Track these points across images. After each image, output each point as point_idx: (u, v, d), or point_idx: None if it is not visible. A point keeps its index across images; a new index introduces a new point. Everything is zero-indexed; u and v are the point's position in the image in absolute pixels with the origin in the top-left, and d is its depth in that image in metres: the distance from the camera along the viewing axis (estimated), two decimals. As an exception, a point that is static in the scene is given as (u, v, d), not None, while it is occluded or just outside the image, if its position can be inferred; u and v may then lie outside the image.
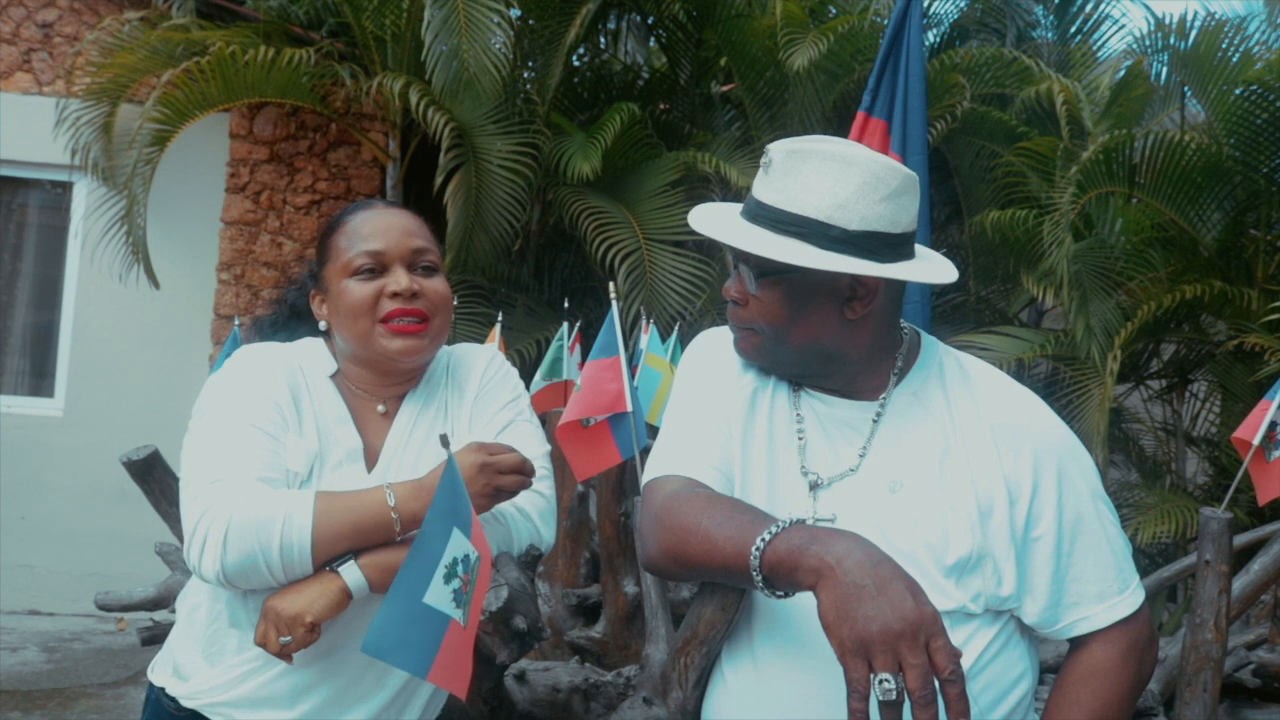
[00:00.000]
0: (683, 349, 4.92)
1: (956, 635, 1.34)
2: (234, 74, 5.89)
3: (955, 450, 1.41)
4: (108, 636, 6.01)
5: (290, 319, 1.82)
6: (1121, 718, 1.43)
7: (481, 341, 5.36)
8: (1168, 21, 6.01)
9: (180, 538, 2.06)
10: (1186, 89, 6.27)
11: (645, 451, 3.14)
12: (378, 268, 1.61)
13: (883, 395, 1.47)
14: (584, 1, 6.47)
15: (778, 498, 1.43)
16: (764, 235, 1.39)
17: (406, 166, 6.67)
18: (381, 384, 1.67)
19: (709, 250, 6.28)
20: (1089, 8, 7.69)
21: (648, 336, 4.45)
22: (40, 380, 6.77)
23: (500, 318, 5.01)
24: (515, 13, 6.53)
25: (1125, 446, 6.54)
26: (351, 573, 1.44)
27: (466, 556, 1.29)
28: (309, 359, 1.66)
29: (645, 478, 1.50)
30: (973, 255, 6.77)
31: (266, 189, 6.69)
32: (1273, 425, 3.33)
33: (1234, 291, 5.46)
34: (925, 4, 6.38)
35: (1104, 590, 1.42)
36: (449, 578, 1.27)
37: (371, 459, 1.62)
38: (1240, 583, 2.84)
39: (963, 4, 7.94)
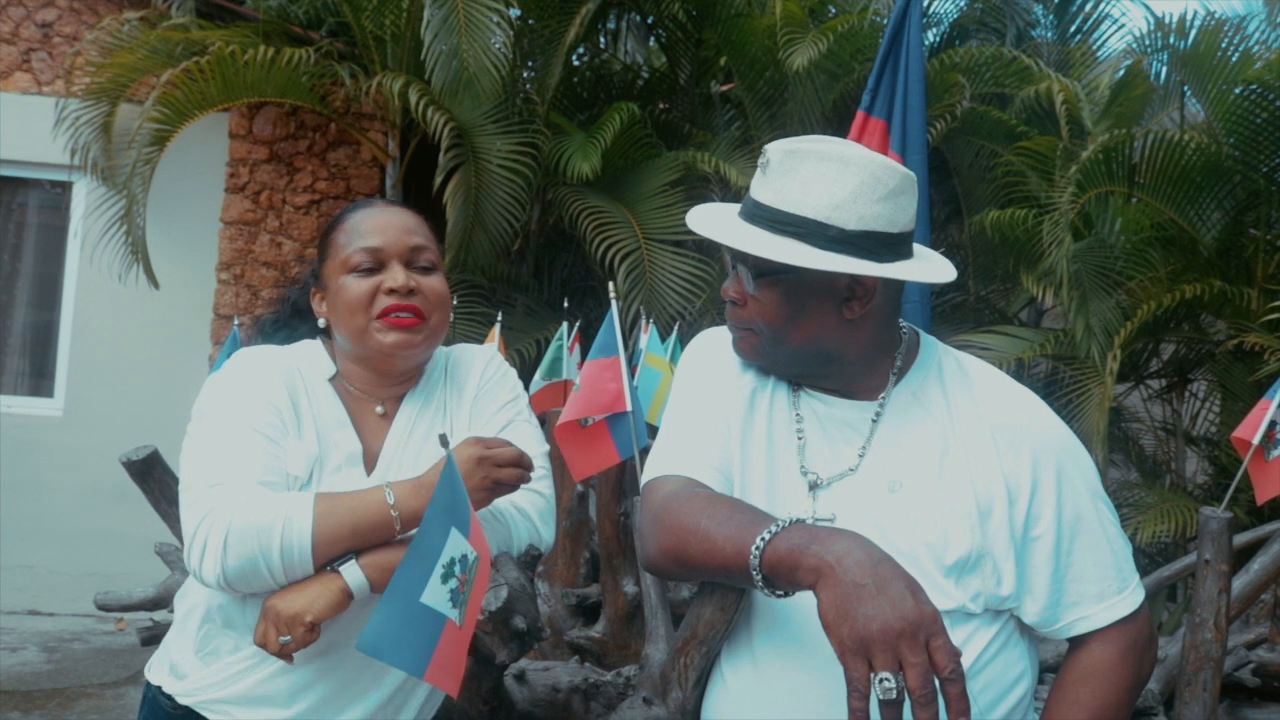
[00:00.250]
0: (682, 349, 4.92)
1: (956, 635, 1.33)
2: (233, 74, 5.89)
3: (954, 450, 1.41)
4: (107, 636, 6.01)
5: (292, 317, 1.82)
6: (1121, 717, 1.43)
7: (481, 341, 5.37)
8: (1167, 21, 6.01)
9: (180, 538, 2.06)
10: (1186, 88, 6.28)
11: (645, 451, 3.14)
12: (375, 264, 1.61)
13: (882, 395, 1.47)
14: (583, 1, 6.47)
15: (777, 498, 1.43)
16: (762, 235, 1.39)
17: (406, 166, 6.67)
18: (380, 384, 1.67)
19: (709, 250, 6.27)
20: (1089, 7, 7.69)
21: (647, 336, 4.46)
22: (40, 380, 6.77)
23: (500, 317, 5.02)
24: (515, 12, 6.53)
25: (1125, 446, 6.54)
26: (352, 572, 1.44)
27: (464, 556, 1.29)
28: (307, 362, 1.66)
29: (645, 478, 1.50)
30: (972, 255, 6.77)
31: (266, 189, 6.69)
32: (1272, 424, 3.33)
33: (1233, 291, 5.46)
34: (925, 3, 6.38)
35: (1103, 590, 1.42)
36: (446, 577, 1.27)
37: (371, 462, 1.62)
38: (1240, 582, 2.84)
39: (962, 3, 7.95)
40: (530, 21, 6.74)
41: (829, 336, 1.43)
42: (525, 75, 6.90)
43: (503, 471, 1.48)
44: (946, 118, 6.39)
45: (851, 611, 1.13)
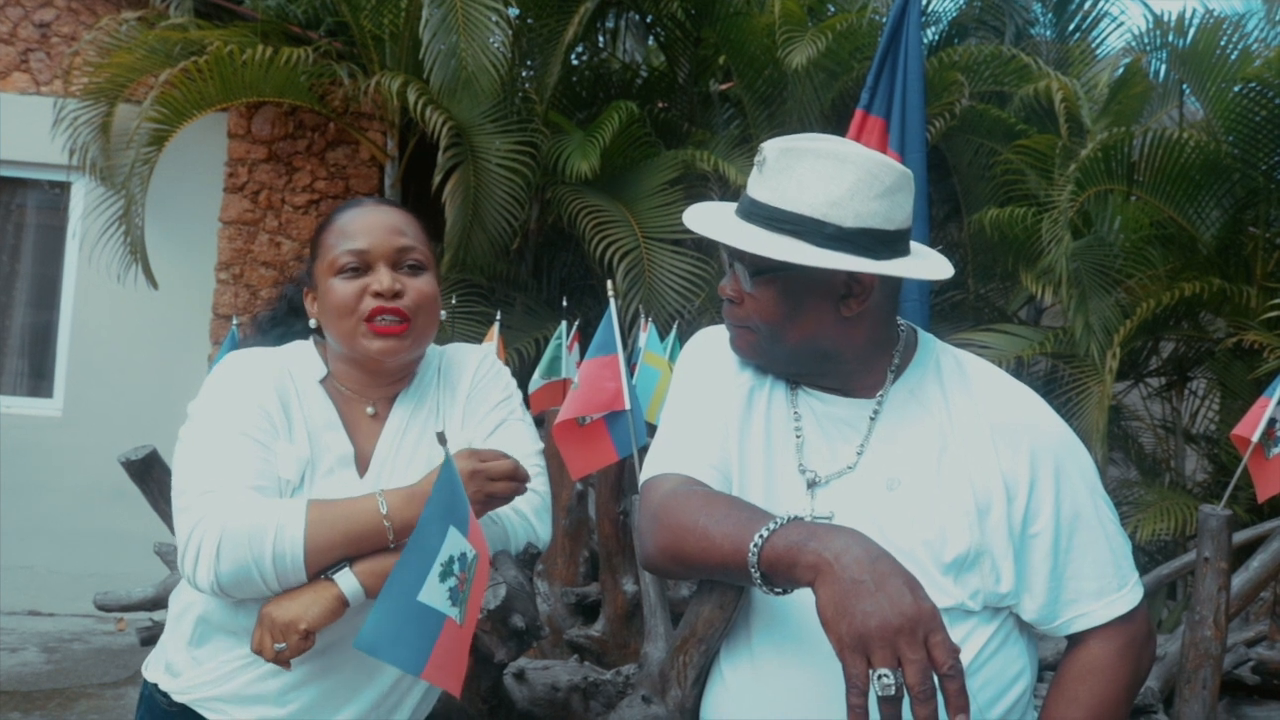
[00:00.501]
0: (681, 347, 4.92)
1: (955, 632, 1.33)
2: (232, 73, 5.89)
3: (953, 447, 1.41)
4: (107, 637, 6.01)
5: (288, 315, 1.82)
6: (1119, 715, 1.43)
7: (480, 340, 5.37)
8: (1166, 19, 6.01)
9: (179, 538, 2.06)
10: (1185, 86, 6.28)
11: (644, 450, 3.14)
12: (362, 266, 1.60)
13: (880, 393, 1.47)
14: (582, 0, 6.46)
15: (775, 496, 1.43)
16: (759, 233, 1.39)
17: (405, 165, 6.67)
18: (371, 384, 1.66)
19: (707, 249, 6.27)
20: (1087, 5, 7.68)
21: (646, 335, 4.46)
22: (39, 380, 6.77)
23: (499, 316, 5.02)
24: (513, 11, 6.53)
25: (1124, 444, 6.54)
26: (347, 580, 1.44)
27: (463, 555, 1.29)
28: (298, 364, 1.66)
29: (643, 476, 1.50)
30: (971, 253, 6.77)
31: (265, 188, 6.69)
32: (1272, 422, 3.33)
33: (1233, 289, 5.46)
34: (923, 2, 6.37)
35: (1102, 587, 1.42)
36: (445, 576, 1.27)
37: (363, 463, 1.62)
38: (1239, 580, 2.84)
39: (961, 2, 7.95)
40: (529, 20, 6.74)
41: (826, 334, 1.43)
42: (524, 74, 6.90)
43: (497, 485, 1.48)
44: (945, 116, 6.39)
45: (850, 608, 1.13)
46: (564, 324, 4.93)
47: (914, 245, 1.47)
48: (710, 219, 1.47)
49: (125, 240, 5.97)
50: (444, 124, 5.85)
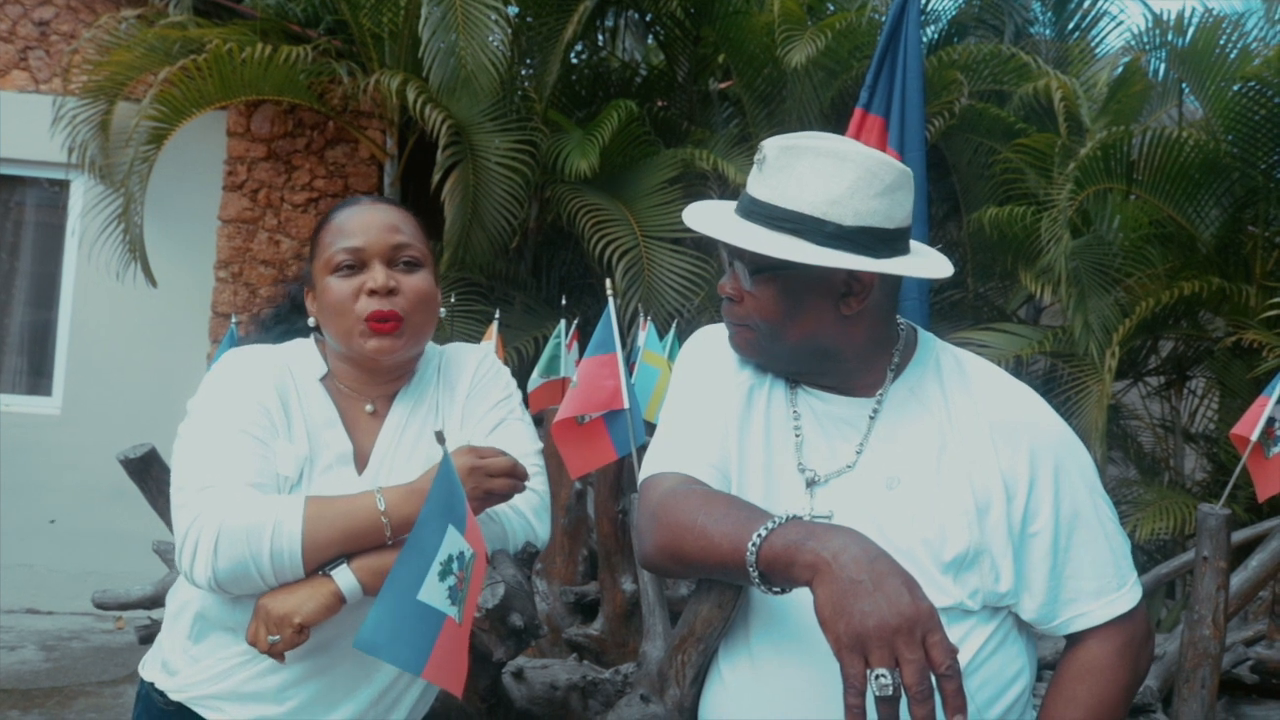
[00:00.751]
0: (680, 346, 4.92)
1: (954, 632, 1.33)
2: (231, 72, 5.89)
3: (952, 446, 1.41)
4: (106, 635, 6.01)
5: (291, 313, 1.82)
6: (1118, 714, 1.42)
7: (479, 338, 5.37)
8: (1166, 18, 6.01)
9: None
10: (1184, 85, 6.28)
11: (642, 449, 3.14)
12: (357, 264, 1.60)
13: (879, 391, 1.46)
14: (581, -1, 6.47)
15: (774, 495, 1.43)
16: (759, 232, 1.39)
17: (404, 164, 6.67)
18: (370, 382, 1.66)
19: (707, 247, 6.27)
20: (1087, 4, 7.68)
21: (645, 333, 4.46)
22: (38, 379, 6.77)
23: (498, 315, 5.01)
24: (513, 10, 6.52)
25: (1123, 443, 6.55)
26: (344, 576, 1.44)
27: (461, 554, 1.29)
28: (298, 361, 1.66)
29: (642, 475, 1.50)
30: (971, 252, 6.77)
31: (264, 187, 6.69)
32: (1271, 421, 3.33)
33: (1232, 288, 5.46)
34: (922, 0, 6.37)
35: (1101, 587, 1.41)
36: (444, 575, 1.27)
37: (362, 461, 1.62)
38: (1238, 579, 2.84)
39: (960, 0, 7.94)
40: (528, 19, 6.73)
41: (826, 333, 1.43)
42: (523, 73, 6.90)
43: (495, 482, 1.48)
44: (945, 115, 6.39)
45: (848, 608, 1.12)
46: (563, 322, 4.92)
47: (914, 244, 1.47)
48: (710, 217, 1.47)
49: (124, 238, 5.97)
50: (443, 122, 5.85)
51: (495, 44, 5.63)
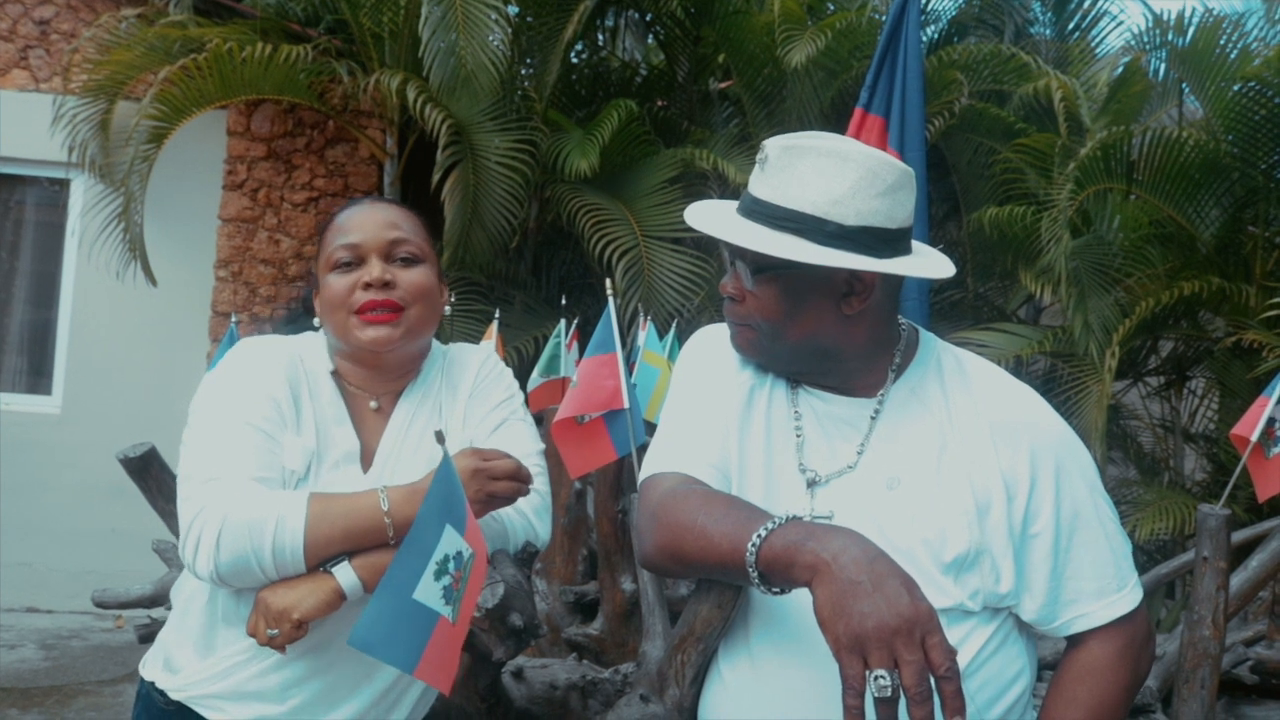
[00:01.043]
0: (680, 346, 4.92)
1: (954, 633, 1.33)
2: (231, 71, 5.89)
3: (953, 446, 1.41)
4: (105, 634, 6.01)
5: (304, 314, 1.83)
6: (1118, 715, 1.42)
7: (479, 338, 5.37)
8: (1166, 18, 6.02)
9: (177, 535, 2.07)
10: (1184, 85, 6.27)
11: (642, 449, 3.14)
12: (355, 260, 1.61)
13: (880, 392, 1.46)
14: (581, -2, 6.47)
15: (775, 495, 1.43)
16: (760, 231, 1.39)
17: (404, 163, 6.67)
18: (374, 379, 1.67)
19: (707, 247, 6.27)
20: (1087, 4, 7.68)
21: (645, 333, 4.46)
22: (38, 378, 6.77)
23: (498, 315, 5.01)
24: (513, 9, 6.52)
25: (1123, 443, 6.55)
26: (345, 573, 1.44)
27: (459, 554, 1.29)
28: (311, 354, 1.67)
29: (642, 474, 1.50)
30: (971, 252, 6.77)
31: (264, 186, 6.69)
32: (1271, 421, 3.33)
33: (1232, 288, 5.46)
34: (923, 0, 6.37)
35: (1102, 587, 1.41)
36: (440, 574, 1.27)
37: (367, 459, 1.62)
38: (1238, 579, 2.84)
39: (960, 0, 7.94)
40: (528, 18, 6.73)
41: (827, 332, 1.43)
42: (523, 72, 6.90)
43: (499, 485, 1.48)
44: (945, 115, 6.39)
45: (847, 608, 1.12)
46: (563, 322, 4.92)
47: (915, 244, 1.47)
48: (711, 217, 1.47)
49: (124, 237, 5.97)
50: (443, 122, 5.85)
51: (495, 43, 5.63)
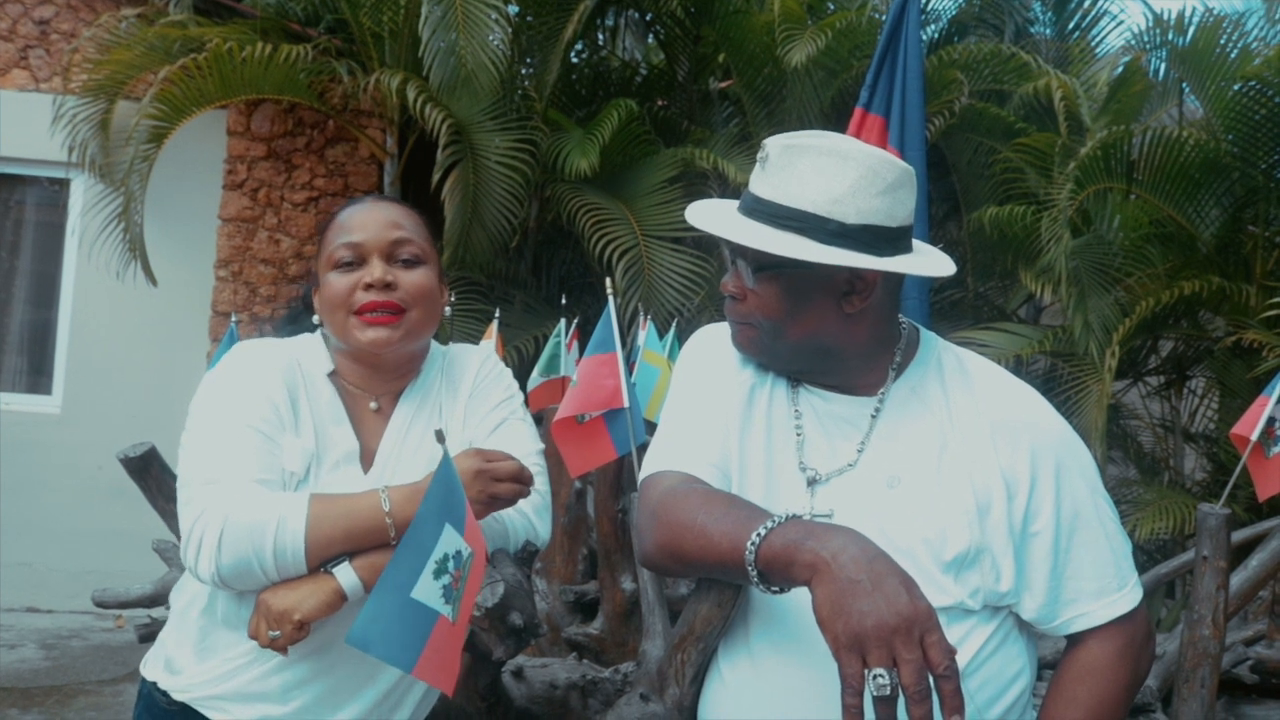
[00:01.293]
0: (680, 345, 4.92)
1: (954, 632, 1.34)
2: (231, 70, 5.89)
3: (953, 445, 1.41)
4: (106, 634, 6.01)
5: (303, 313, 1.82)
6: (1118, 715, 1.42)
7: (479, 337, 5.37)
8: (1166, 18, 6.02)
9: (178, 534, 2.07)
10: (1185, 85, 6.27)
11: (642, 448, 3.14)
12: (356, 259, 1.60)
13: (881, 390, 1.46)
14: (581, -2, 6.47)
15: (775, 493, 1.43)
16: (762, 230, 1.39)
17: (404, 163, 6.66)
18: (373, 379, 1.66)
19: (707, 246, 6.27)
20: (1087, 4, 7.68)
21: (645, 333, 4.46)
22: (38, 378, 6.77)
23: (498, 314, 5.01)
24: (513, 9, 6.52)
25: (1123, 443, 6.55)
26: (345, 574, 1.44)
27: (459, 553, 1.29)
28: (308, 356, 1.66)
29: (643, 473, 1.50)
30: (971, 251, 6.77)
31: (264, 186, 6.69)
32: (1271, 421, 3.33)
33: (1232, 287, 5.46)
34: (923, 0, 6.37)
35: (1102, 587, 1.41)
36: (439, 573, 1.27)
37: (368, 459, 1.62)
38: (1238, 579, 2.84)
39: (960, 0, 7.94)
40: (528, 18, 6.73)
41: (829, 331, 1.43)
42: (523, 72, 6.90)
43: (501, 486, 1.48)
44: (945, 114, 6.39)
45: (846, 607, 1.12)
46: (563, 322, 4.92)
47: (915, 243, 1.47)
48: (713, 216, 1.47)
49: (124, 237, 5.97)
50: (443, 121, 5.85)
51: (495, 43, 5.63)
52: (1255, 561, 2.92)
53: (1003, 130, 6.50)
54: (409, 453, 1.63)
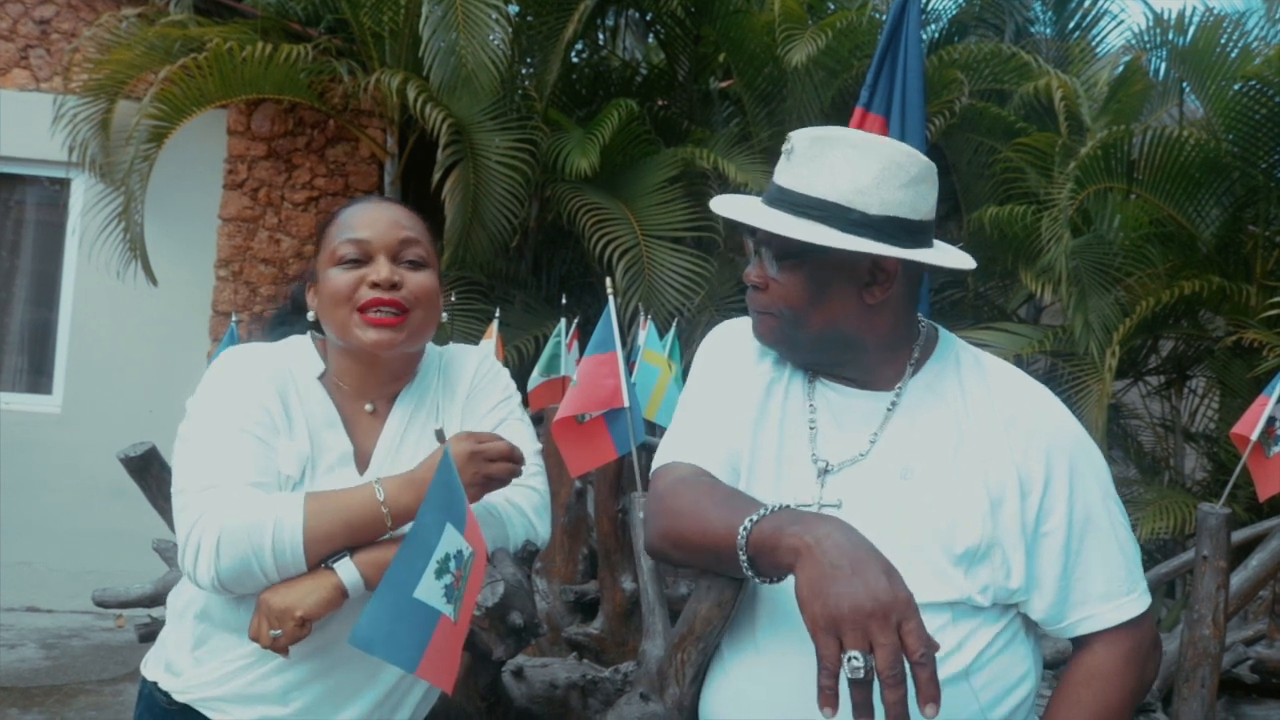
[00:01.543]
0: (680, 345, 4.94)
1: (961, 628, 1.35)
2: (231, 70, 5.89)
3: (969, 440, 1.41)
4: (106, 633, 6.01)
5: (293, 313, 1.81)
6: (1121, 720, 1.42)
7: (479, 337, 5.37)
8: (1166, 17, 6.02)
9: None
10: (1185, 85, 6.27)
11: (642, 448, 3.14)
12: (362, 257, 1.59)
13: (898, 385, 1.47)
14: (581, -3, 6.47)
15: (785, 482, 1.44)
16: (785, 218, 1.41)
17: (404, 163, 6.67)
18: (370, 380, 1.65)
19: (707, 246, 6.28)
20: (1087, 3, 7.69)
21: (645, 332, 4.46)
22: (38, 377, 6.77)
23: (498, 314, 5.02)
24: (513, 9, 6.53)
25: (1124, 442, 6.55)
26: (346, 569, 1.44)
27: (460, 552, 1.29)
28: (296, 360, 1.65)
29: (655, 463, 1.52)
30: (971, 251, 6.67)
31: (264, 185, 6.69)
32: (1271, 420, 3.32)
33: (1232, 287, 5.46)
34: (923, 0, 6.38)
35: (1111, 590, 1.41)
36: (440, 573, 1.27)
37: (363, 461, 1.61)
38: (1238, 578, 2.84)
39: None
40: (528, 18, 6.74)
41: (850, 321, 1.44)
42: (523, 72, 6.90)
43: (494, 466, 1.48)
44: (945, 114, 6.39)
45: (824, 590, 1.13)
46: (563, 321, 4.93)
47: (936, 241, 1.48)
48: (737, 206, 1.48)
49: (125, 237, 5.97)
50: (443, 121, 5.85)
51: (495, 43, 5.63)
52: (1255, 561, 2.92)
53: (1003, 130, 6.51)
54: (406, 454, 1.62)
